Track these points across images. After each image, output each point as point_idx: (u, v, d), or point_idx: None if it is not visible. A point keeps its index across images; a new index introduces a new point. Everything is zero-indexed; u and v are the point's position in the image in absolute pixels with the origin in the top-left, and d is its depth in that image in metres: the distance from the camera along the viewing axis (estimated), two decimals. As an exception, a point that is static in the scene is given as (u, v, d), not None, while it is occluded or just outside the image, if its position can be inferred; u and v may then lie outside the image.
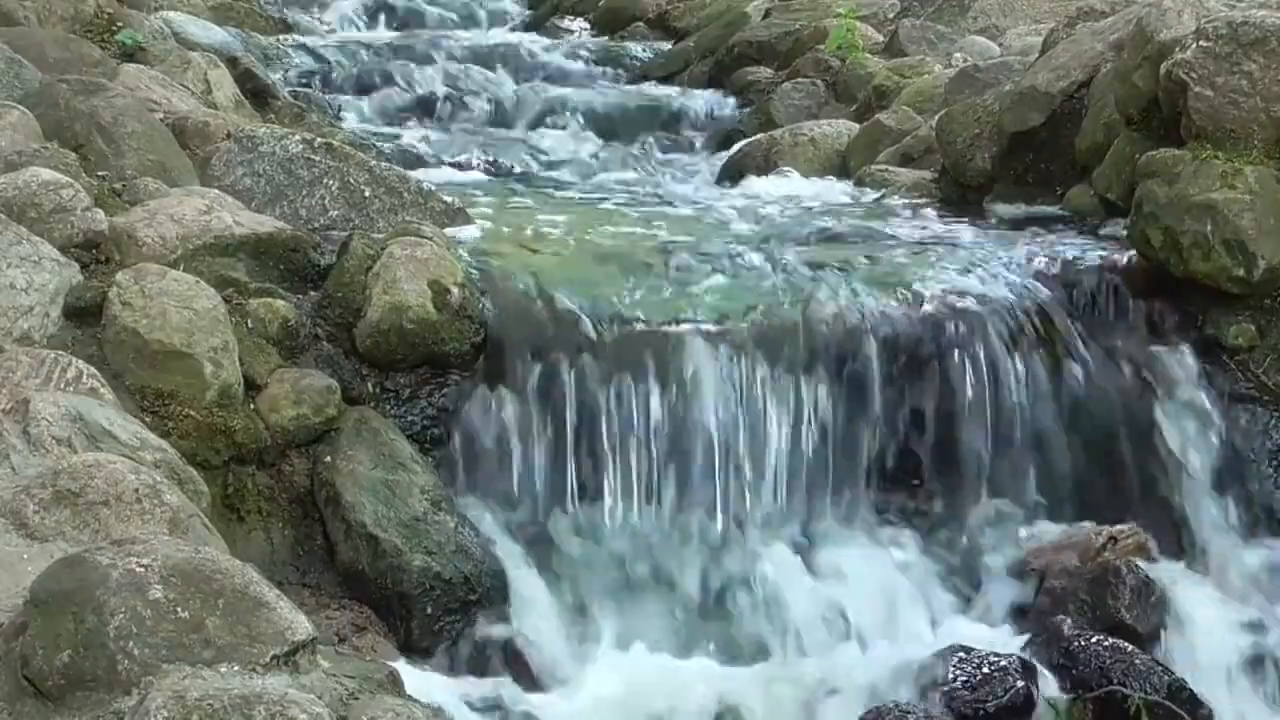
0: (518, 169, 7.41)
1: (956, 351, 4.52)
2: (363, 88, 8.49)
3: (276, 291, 4.34)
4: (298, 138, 5.32)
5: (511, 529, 4.21)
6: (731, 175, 6.96)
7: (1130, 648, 3.97)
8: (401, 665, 3.42)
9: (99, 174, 4.72)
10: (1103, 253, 4.95)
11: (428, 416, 4.29)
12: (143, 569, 2.66)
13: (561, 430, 4.29)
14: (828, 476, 4.43)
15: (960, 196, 5.87)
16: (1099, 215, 5.34)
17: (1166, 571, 4.31)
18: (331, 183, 5.14)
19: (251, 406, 4.08)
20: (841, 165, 6.75)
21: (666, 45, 9.93)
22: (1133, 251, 4.85)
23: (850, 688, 3.89)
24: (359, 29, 10.53)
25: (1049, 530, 4.43)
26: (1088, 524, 4.41)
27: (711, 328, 4.45)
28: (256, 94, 7.09)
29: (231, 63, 7.08)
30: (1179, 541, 4.44)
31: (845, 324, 4.51)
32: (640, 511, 4.29)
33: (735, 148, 7.41)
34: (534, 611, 4.05)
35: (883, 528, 4.42)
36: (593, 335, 4.38)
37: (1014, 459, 4.50)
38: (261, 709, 2.47)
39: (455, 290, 4.35)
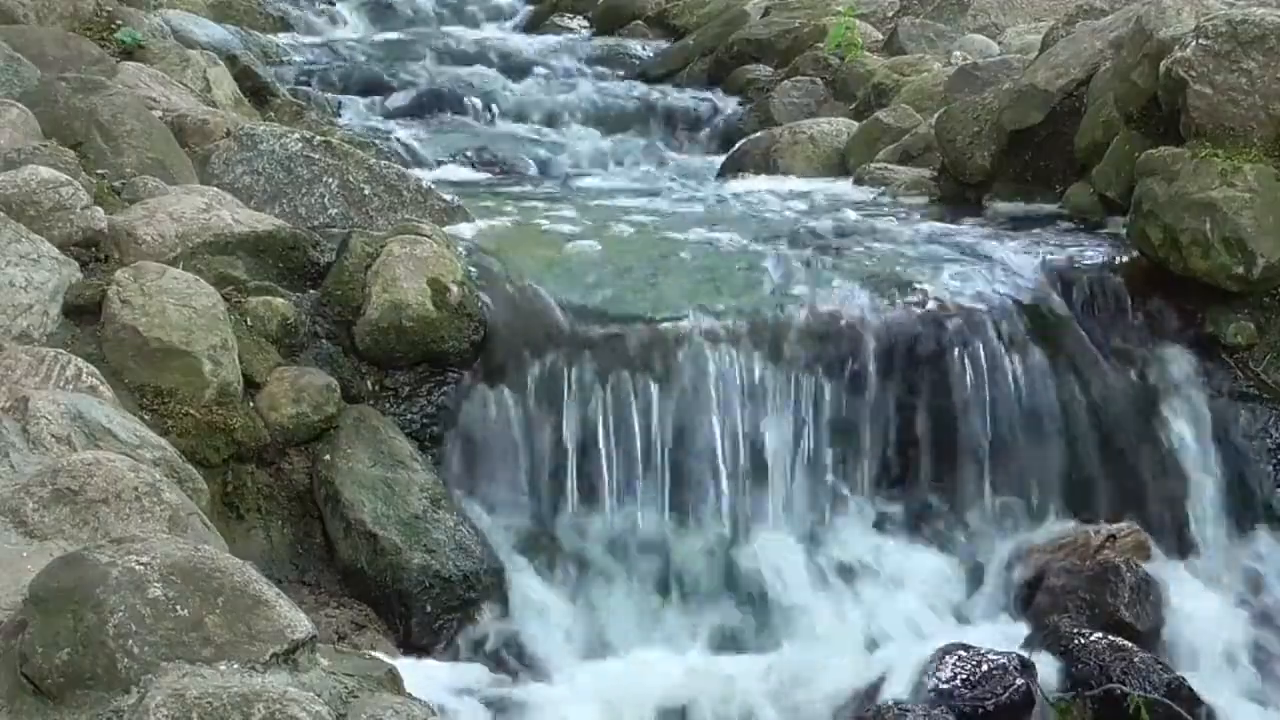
0: (517, 167, 7.40)
1: (956, 350, 4.52)
2: (362, 86, 8.49)
3: (276, 289, 4.34)
4: (297, 136, 5.32)
5: (511, 527, 4.21)
6: (731, 173, 6.96)
7: (1129, 645, 3.97)
8: (401, 663, 3.41)
9: (98, 172, 4.72)
10: (1102, 251, 4.95)
11: (427, 414, 4.29)
12: (142, 567, 2.66)
13: (561, 428, 4.29)
14: (828, 475, 4.43)
15: (959, 194, 5.87)
16: (1098, 213, 5.34)
17: (1166, 569, 4.31)
18: (331, 181, 5.14)
19: (251, 404, 4.08)
20: (841, 163, 6.75)
21: (665, 43, 9.93)
22: (1132, 250, 4.85)
23: (850, 685, 3.89)
24: (358, 27, 10.53)
25: (1048, 529, 4.43)
26: (1087, 523, 4.41)
27: (711, 325, 4.44)
28: (256, 92, 7.09)
29: (231, 61, 7.09)
30: (1178, 539, 4.45)
31: (845, 322, 4.51)
32: (639, 509, 4.29)
33: (735, 146, 7.41)
34: (533, 609, 4.05)
35: (883, 526, 4.42)
36: (592, 333, 4.38)
37: (1013, 457, 4.50)
38: (261, 707, 2.47)
39: (455, 288, 4.35)
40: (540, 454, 4.29)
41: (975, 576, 4.36)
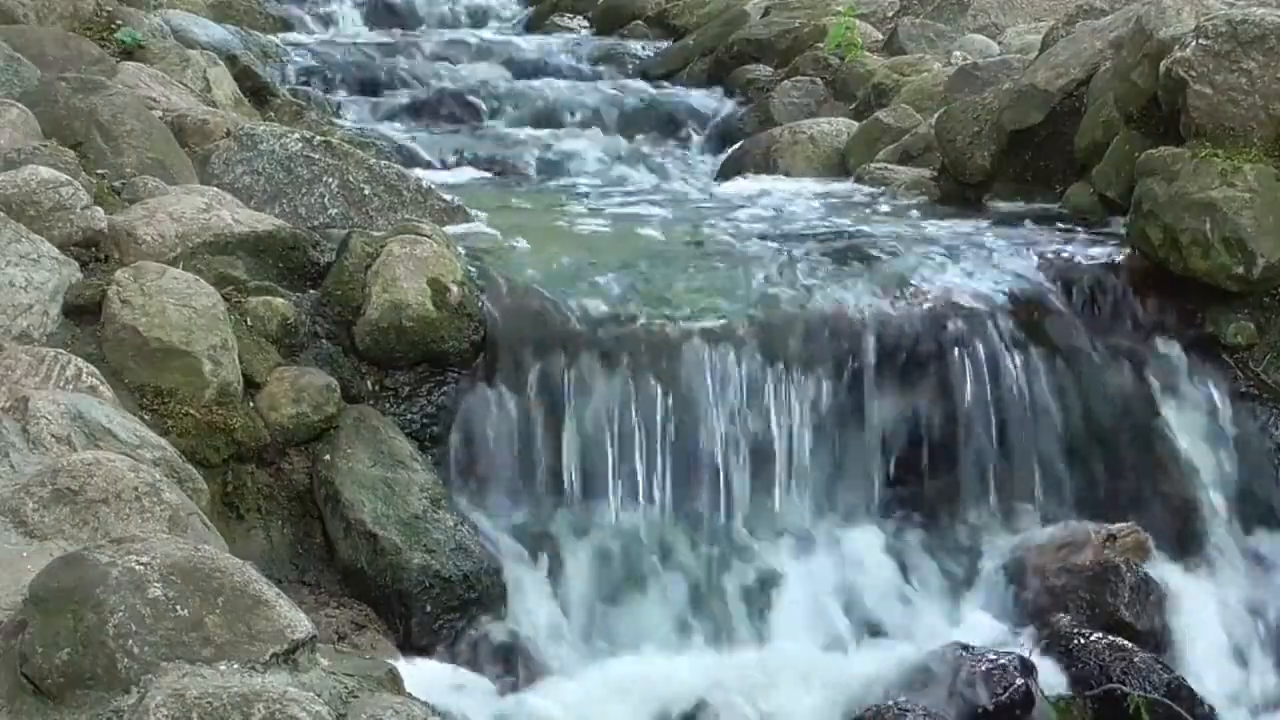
0: (516, 167, 7.40)
1: (956, 350, 4.52)
2: (362, 86, 8.49)
3: (276, 289, 4.34)
4: (297, 136, 5.32)
5: (511, 527, 4.21)
6: (731, 173, 6.96)
7: (1130, 646, 3.98)
8: (401, 663, 3.42)
9: (98, 172, 4.72)
10: (1102, 251, 4.95)
11: (427, 414, 4.29)
12: (142, 567, 2.66)
13: (561, 428, 4.29)
14: (828, 475, 4.43)
15: (959, 194, 5.87)
16: (1098, 213, 5.34)
17: (1166, 569, 4.32)
18: (331, 181, 5.14)
19: (251, 404, 4.08)
20: (841, 163, 6.75)
21: (666, 43, 9.92)
22: (1132, 250, 4.85)
23: (850, 685, 3.89)
24: (358, 27, 10.52)
25: (1049, 528, 4.43)
26: (1087, 522, 4.41)
27: (712, 325, 4.45)
28: (256, 92, 7.10)
29: (231, 61, 7.09)
30: (1178, 539, 4.44)
31: (845, 322, 4.51)
32: (639, 509, 4.29)
33: (734, 146, 7.42)
34: (533, 609, 4.05)
35: (883, 526, 4.42)
36: (592, 333, 4.38)
37: (1014, 457, 4.50)
38: (261, 707, 2.47)
39: (455, 288, 4.35)
40: (540, 454, 4.29)
41: (975, 575, 4.36)
